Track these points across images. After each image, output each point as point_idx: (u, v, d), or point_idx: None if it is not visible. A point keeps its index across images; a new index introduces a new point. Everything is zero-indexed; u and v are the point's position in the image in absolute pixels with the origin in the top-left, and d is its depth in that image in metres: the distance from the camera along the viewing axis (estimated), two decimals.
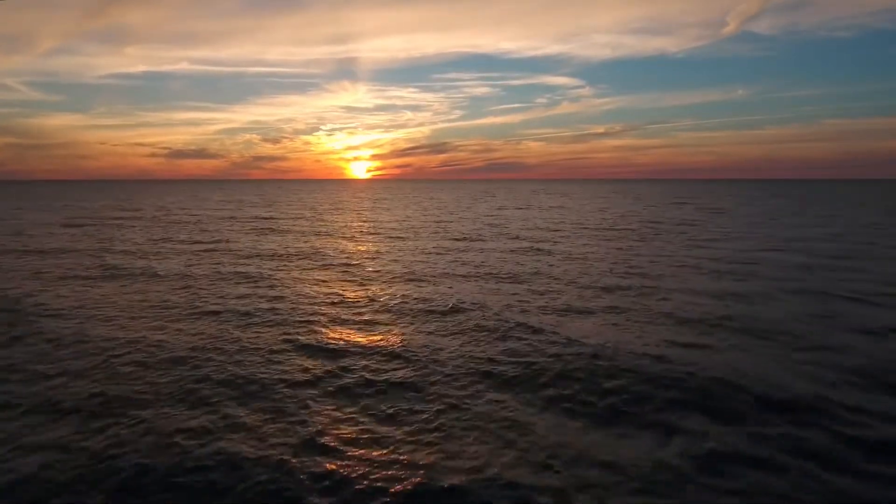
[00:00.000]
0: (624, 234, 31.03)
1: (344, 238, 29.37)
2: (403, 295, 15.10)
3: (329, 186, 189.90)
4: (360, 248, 25.43)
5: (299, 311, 13.27)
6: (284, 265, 20.25)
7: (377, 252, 23.99)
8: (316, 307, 13.74)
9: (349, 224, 38.60)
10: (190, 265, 20.08)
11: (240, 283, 16.86)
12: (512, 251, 24.01)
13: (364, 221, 41.02)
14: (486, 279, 17.52)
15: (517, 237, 29.57)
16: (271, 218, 43.46)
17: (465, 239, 28.96)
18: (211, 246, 25.53)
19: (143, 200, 72.75)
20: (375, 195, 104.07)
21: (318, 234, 31.57)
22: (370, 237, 30.09)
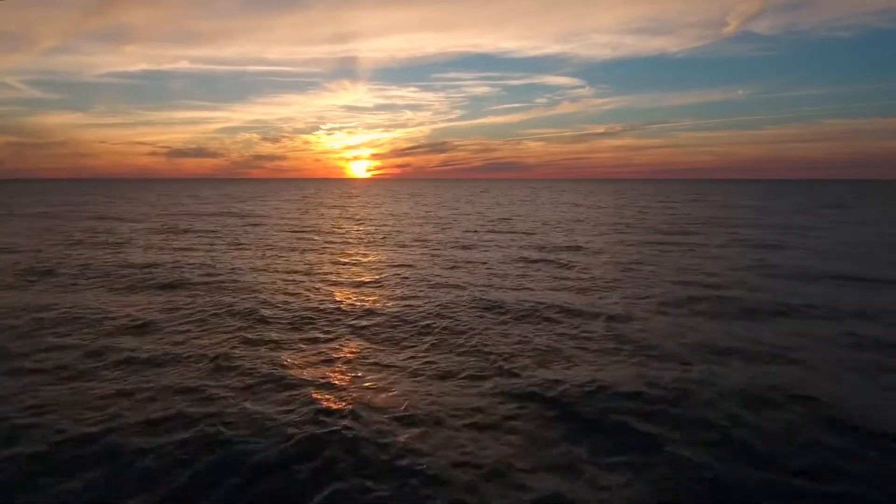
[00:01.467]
0: (661, 235, 23.00)
1: (295, 241, 21.27)
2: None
3: (326, 185, 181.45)
4: (302, 262, 17.34)
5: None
6: (147, 288, 12.16)
7: (325, 271, 15.93)
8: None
9: (320, 225, 30.49)
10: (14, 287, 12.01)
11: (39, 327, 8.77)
12: (525, 261, 15.96)
13: (343, 220, 32.92)
14: (483, 317, 9.50)
15: (526, 232, 21.80)
16: (228, 214, 35.41)
17: (458, 245, 20.86)
18: (100, 253, 17.44)
19: (114, 197, 64.42)
20: (371, 193, 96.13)
21: (269, 236, 23.46)
22: (332, 243, 21.99)
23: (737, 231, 25.99)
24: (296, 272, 14.18)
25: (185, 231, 24.43)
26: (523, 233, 23.96)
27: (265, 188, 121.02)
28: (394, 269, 14.74)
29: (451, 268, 14.91)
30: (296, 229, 25.76)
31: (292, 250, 18.42)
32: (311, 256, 17.04)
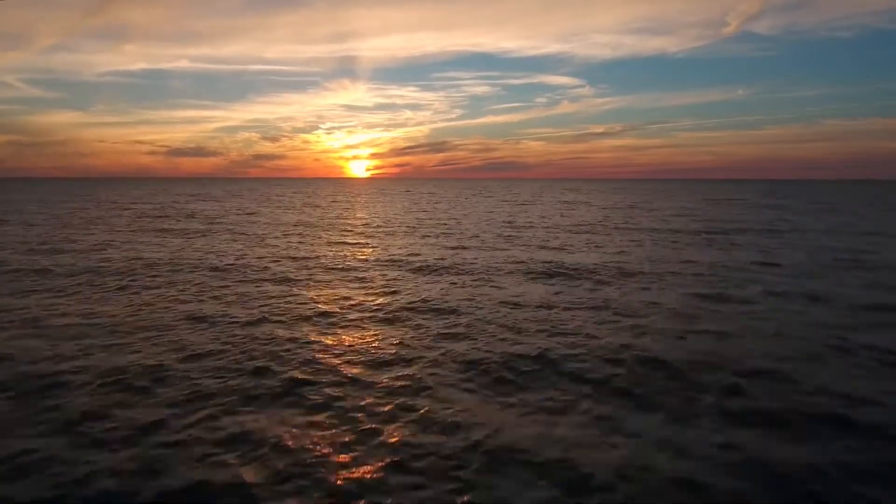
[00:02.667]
0: (718, 248, 16.92)
1: (219, 259, 15.19)
2: None
3: (324, 184, 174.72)
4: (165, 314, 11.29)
5: None
6: None
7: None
8: None
9: (280, 231, 24.49)
10: None
11: None
12: (551, 309, 9.85)
13: (316, 226, 26.88)
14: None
15: (542, 244, 15.67)
16: (176, 216, 29.23)
17: (450, 270, 14.85)
18: None
19: (88, 197, 58.22)
20: (366, 192, 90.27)
21: (188, 251, 17.45)
22: (265, 265, 15.94)
23: (804, 235, 20.09)
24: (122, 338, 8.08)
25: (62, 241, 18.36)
26: (539, 245, 17.80)
27: (256, 187, 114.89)
28: (330, 332, 8.64)
29: (436, 332, 8.82)
30: (245, 238, 19.69)
31: (188, 280, 12.30)
32: (206, 298, 10.89)
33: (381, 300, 9.92)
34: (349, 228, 23.96)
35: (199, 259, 14.53)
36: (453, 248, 16.80)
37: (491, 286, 11.15)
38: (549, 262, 13.86)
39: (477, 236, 20.27)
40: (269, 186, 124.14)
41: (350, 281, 11.79)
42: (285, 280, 11.85)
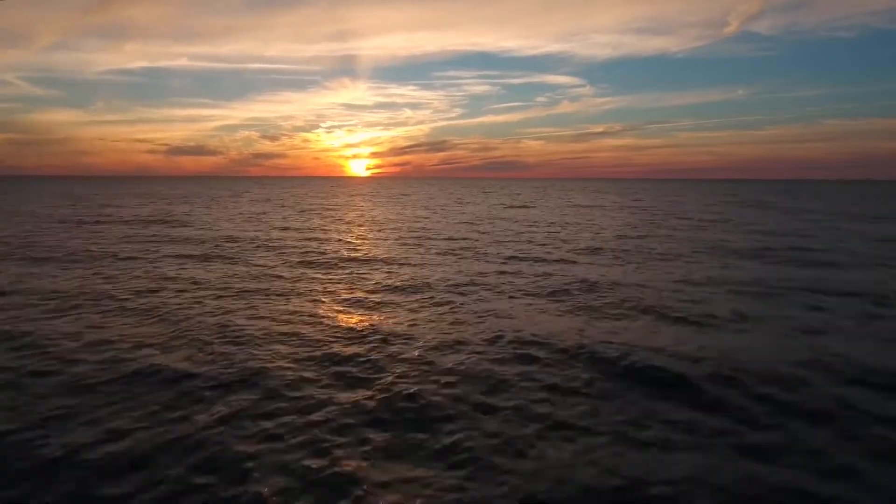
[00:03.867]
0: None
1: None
2: None
3: (321, 184, 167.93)
4: None
5: None
6: None
7: None
8: None
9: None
10: None
11: None
12: None
13: (258, 245, 21.04)
14: None
15: (587, 285, 9.19)
16: (108, 221, 23.35)
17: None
18: None
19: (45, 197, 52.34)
20: (359, 193, 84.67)
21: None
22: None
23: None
24: None
25: None
26: (585, 298, 11.82)
27: (248, 187, 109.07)
28: None
29: None
30: (110, 265, 13.84)
31: None
32: None
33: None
34: (293, 252, 17.76)
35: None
36: (451, 302, 10.42)
37: (537, 427, 5.21)
38: (622, 357, 7.01)
39: (484, 269, 14.42)
40: (262, 186, 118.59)
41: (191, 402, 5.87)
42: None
